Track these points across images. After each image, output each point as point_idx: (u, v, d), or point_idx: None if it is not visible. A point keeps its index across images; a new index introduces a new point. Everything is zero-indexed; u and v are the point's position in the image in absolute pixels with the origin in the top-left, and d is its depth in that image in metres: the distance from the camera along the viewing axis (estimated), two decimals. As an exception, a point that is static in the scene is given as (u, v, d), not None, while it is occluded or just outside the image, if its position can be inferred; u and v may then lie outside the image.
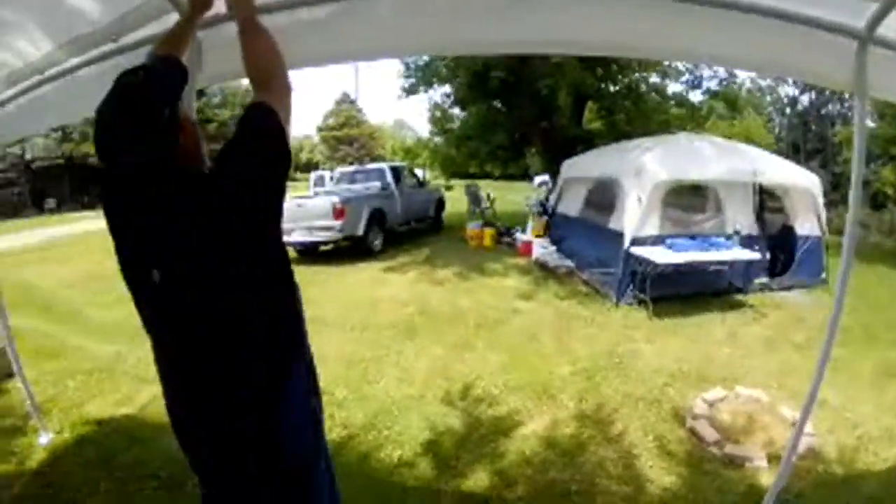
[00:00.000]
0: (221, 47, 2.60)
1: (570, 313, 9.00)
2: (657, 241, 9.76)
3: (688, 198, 10.65)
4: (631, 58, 16.44)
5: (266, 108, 1.93)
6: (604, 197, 10.84)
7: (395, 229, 15.71)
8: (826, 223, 11.76)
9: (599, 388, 6.25)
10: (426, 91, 22.29)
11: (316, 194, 16.46)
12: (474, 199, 18.73)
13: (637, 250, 9.39)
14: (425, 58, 20.68)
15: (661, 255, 9.11)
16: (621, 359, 7.17)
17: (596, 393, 6.13)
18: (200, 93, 20.36)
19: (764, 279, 11.14)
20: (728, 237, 10.23)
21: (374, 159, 40.22)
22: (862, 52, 2.49)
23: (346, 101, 61.34)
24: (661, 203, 10.01)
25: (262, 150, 1.92)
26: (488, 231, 15.52)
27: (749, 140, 28.08)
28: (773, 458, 4.93)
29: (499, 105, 22.54)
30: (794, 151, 43.41)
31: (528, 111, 21.08)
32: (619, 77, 21.23)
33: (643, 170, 9.81)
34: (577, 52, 9.36)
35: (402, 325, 8.27)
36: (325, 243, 13.87)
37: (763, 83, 49.95)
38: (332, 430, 5.15)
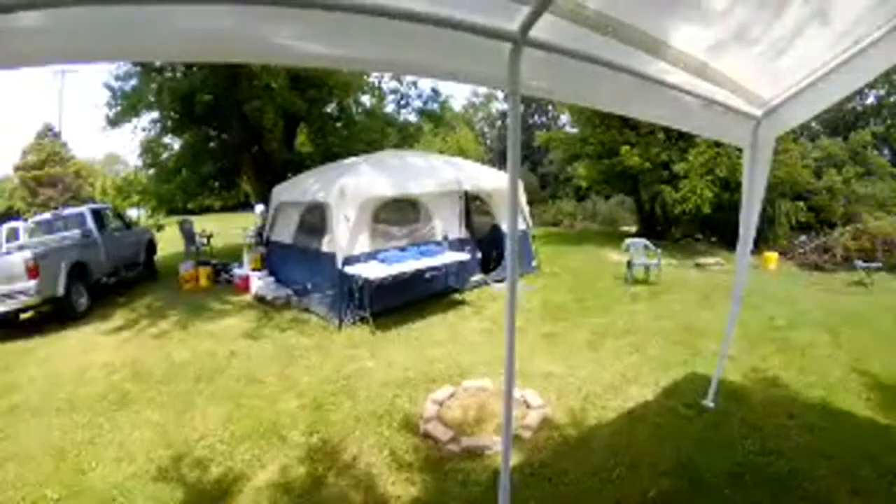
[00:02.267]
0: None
1: (293, 345, 8.65)
2: (370, 256, 9.79)
3: (399, 211, 10.70)
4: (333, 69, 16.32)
5: None
6: (315, 220, 10.60)
7: (102, 282, 13.57)
8: (532, 217, 12.86)
9: (329, 417, 6.08)
10: (131, 120, 20.10)
11: (8, 252, 13.53)
12: (189, 236, 17.55)
13: (350, 269, 9.31)
14: (133, 82, 18.86)
15: (373, 271, 9.12)
16: (348, 381, 7.06)
17: (326, 422, 5.94)
18: None
19: (479, 276, 11.84)
20: (438, 243, 10.59)
21: (84, 202, 35.70)
22: (516, 53, 2.60)
23: (47, 133, 49.55)
24: (371, 219, 10.08)
25: None
26: (203, 270, 14.26)
27: (461, 152, 29.77)
28: (513, 440, 5.17)
29: (209, 131, 21.28)
30: (504, 158, 46.89)
31: (237, 136, 20.05)
32: (330, 98, 21.03)
33: (348, 189, 9.77)
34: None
35: (114, 395, 7.15)
36: (23, 310, 11.27)
37: (476, 100, 53.86)
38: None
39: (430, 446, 5.34)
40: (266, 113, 17.93)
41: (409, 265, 9.57)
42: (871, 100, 35.19)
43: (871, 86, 35.00)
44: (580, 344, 8.41)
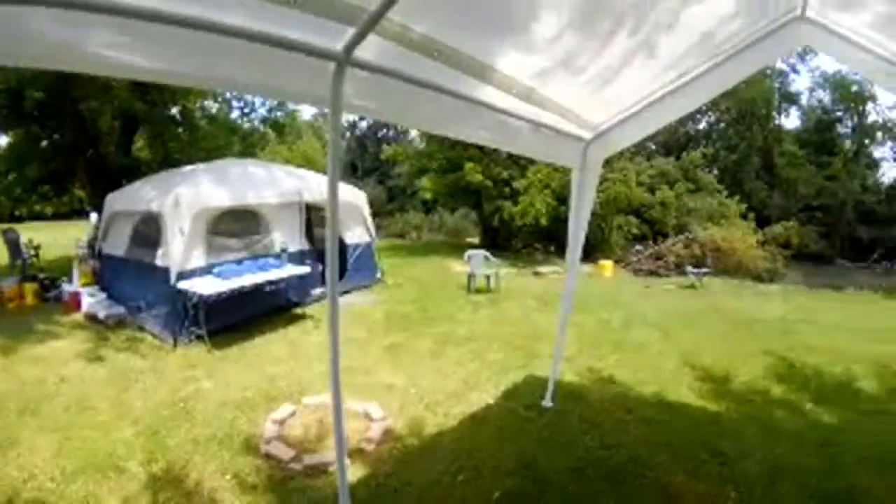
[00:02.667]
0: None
1: (128, 367, 8.03)
2: (206, 271, 9.36)
3: (237, 222, 10.30)
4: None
5: None
6: (149, 232, 9.90)
7: None
8: (378, 230, 12.84)
9: (167, 443, 5.70)
10: None
11: None
12: (14, 248, 15.87)
13: (185, 284, 8.84)
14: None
15: (208, 286, 8.74)
16: (185, 403, 6.69)
17: (164, 449, 5.57)
18: None
19: (321, 289, 11.58)
20: (277, 256, 10.31)
21: None
22: (339, 72, 2.65)
23: None
24: (207, 231, 9.64)
25: None
26: (29, 287, 12.66)
27: (308, 162, 29.30)
28: (353, 453, 5.22)
29: (38, 130, 19.46)
30: (353, 170, 47.10)
31: (70, 137, 18.34)
32: (171, 102, 19.82)
33: (183, 199, 9.29)
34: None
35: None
36: None
37: (327, 110, 53.09)
38: None
39: (272, 466, 5.20)
40: (103, 114, 16.85)
41: (246, 279, 9.24)
42: (702, 125, 39.01)
43: (702, 112, 38.88)
44: (423, 353, 8.56)
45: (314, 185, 12.07)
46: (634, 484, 4.89)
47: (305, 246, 11.51)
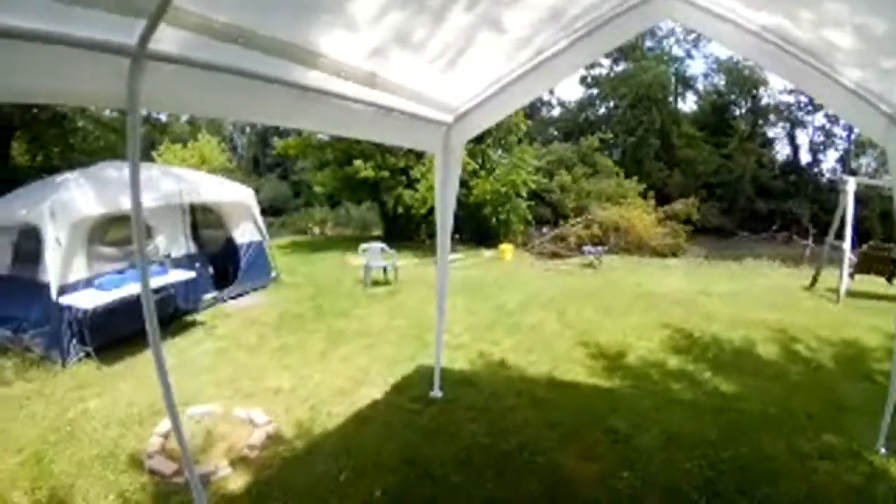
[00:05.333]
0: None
1: (11, 394, 7.53)
2: (88, 283, 8.92)
3: (120, 230, 9.86)
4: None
5: None
6: (29, 246, 9.26)
7: None
8: (283, 227, 12.57)
9: (52, 469, 5.41)
10: None
11: None
12: None
13: (66, 299, 8.39)
14: None
15: (89, 299, 8.33)
16: (72, 426, 6.35)
17: (49, 475, 5.28)
18: None
19: (214, 293, 11.35)
20: (161, 263, 9.94)
21: None
22: (135, 68, 2.47)
23: None
24: (87, 241, 9.19)
25: None
26: None
27: (203, 161, 28.52)
28: (237, 461, 5.16)
29: None
30: (256, 166, 46.17)
31: None
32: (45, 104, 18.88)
33: (58, 208, 8.84)
34: None
35: None
36: None
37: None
38: None
39: (157, 482, 5.04)
40: None
41: (129, 289, 8.76)
42: (602, 110, 40.51)
43: (601, 98, 40.23)
44: (313, 353, 8.41)
45: (197, 186, 11.75)
46: (524, 469, 4.95)
47: (192, 249, 11.14)
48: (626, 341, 8.36)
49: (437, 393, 6.41)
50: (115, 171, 11.12)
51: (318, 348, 8.58)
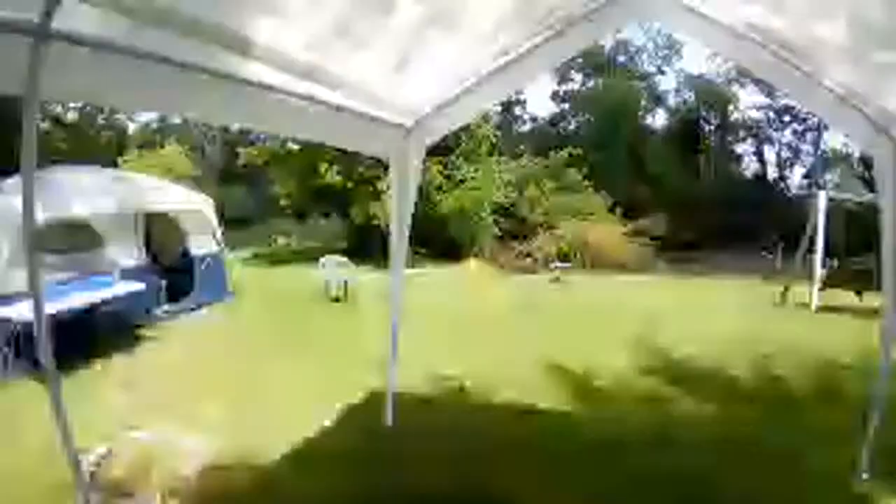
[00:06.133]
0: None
1: None
2: (29, 295, 8.39)
3: (67, 237, 9.47)
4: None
5: None
6: None
7: None
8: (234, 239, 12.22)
9: None
10: None
11: None
12: None
13: (2, 311, 7.98)
14: None
15: (21, 312, 7.86)
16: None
17: None
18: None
19: (167, 307, 10.98)
20: (108, 273, 9.56)
21: None
22: (37, 49, 2.17)
23: None
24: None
25: None
26: None
27: (169, 170, 28.09)
28: (170, 492, 4.77)
29: None
30: (224, 176, 45.60)
31: None
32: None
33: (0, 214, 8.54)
34: None
35: None
36: None
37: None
38: None
39: None
40: None
41: (70, 301, 8.44)
42: (572, 126, 40.77)
43: (573, 114, 40.41)
44: (262, 376, 7.90)
45: (151, 193, 11.42)
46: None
47: (143, 261, 10.86)
48: (588, 360, 8.07)
49: (388, 422, 5.85)
50: (67, 175, 10.75)
51: (268, 371, 8.10)
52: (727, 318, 11.02)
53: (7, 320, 7.91)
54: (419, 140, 5.07)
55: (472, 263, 18.10)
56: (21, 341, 7.97)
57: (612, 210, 25.66)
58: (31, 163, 2.43)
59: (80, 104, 21.54)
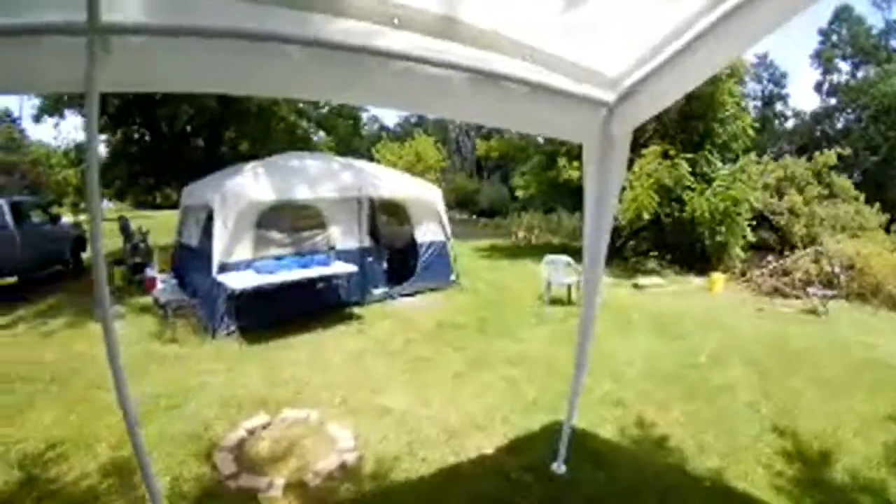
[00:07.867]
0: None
1: (160, 353, 8.12)
2: (249, 265, 9.32)
3: (291, 218, 10.29)
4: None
5: None
6: (210, 224, 10.05)
7: (20, 275, 13.01)
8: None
9: (144, 431, 5.22)
10: (53, 115, 19.82)
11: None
12: (125, 232, 16.53)
13: (222, 277, 8.82)
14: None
15: (240, 280, 8.65)
16: (185, 396, 6.47)
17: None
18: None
19: (384, 289, 11.48)
20: (326, 253, 10.14)
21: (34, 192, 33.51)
22: (93, 46, 2.15)
23: (4, 119, 46.60)
24: (256, 225, 9.67)
25: None
26: (118, 270, 13.73)
27: (419, 160, 29.53)
28: (290, 486, 4.62)
29: (130, 132, 21.22)
30: (479, 169, 47.32)
31: (152, 139, 20.50)
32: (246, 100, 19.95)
33: (229, 194, 9.48)
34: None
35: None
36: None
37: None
38: None
39: (211, 479, 4.75)
40: (178, 117, 18.55)
41: (282, 276, 9.08)
42: (840, 124, 35.53)
43: (839, 109, 35.18)
44: (448, 374, 7.45)
45: (378, 180, 11.79)
46: None
47: (366, 243, 11.21)
48: (835, 436, 5.74)
49: (559, 467, 4.85)
50: (297, 162, 11.68)
51: (455, 369, 7.62)
52: None
53: (222, 284, 8.76)
54: (625, 118, 3.64)
55: (718, 279, 15.71)
56: (231, 304, 8.88)
57: (887, 228, 21.91)
58: (94, 154, 2.47)
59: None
